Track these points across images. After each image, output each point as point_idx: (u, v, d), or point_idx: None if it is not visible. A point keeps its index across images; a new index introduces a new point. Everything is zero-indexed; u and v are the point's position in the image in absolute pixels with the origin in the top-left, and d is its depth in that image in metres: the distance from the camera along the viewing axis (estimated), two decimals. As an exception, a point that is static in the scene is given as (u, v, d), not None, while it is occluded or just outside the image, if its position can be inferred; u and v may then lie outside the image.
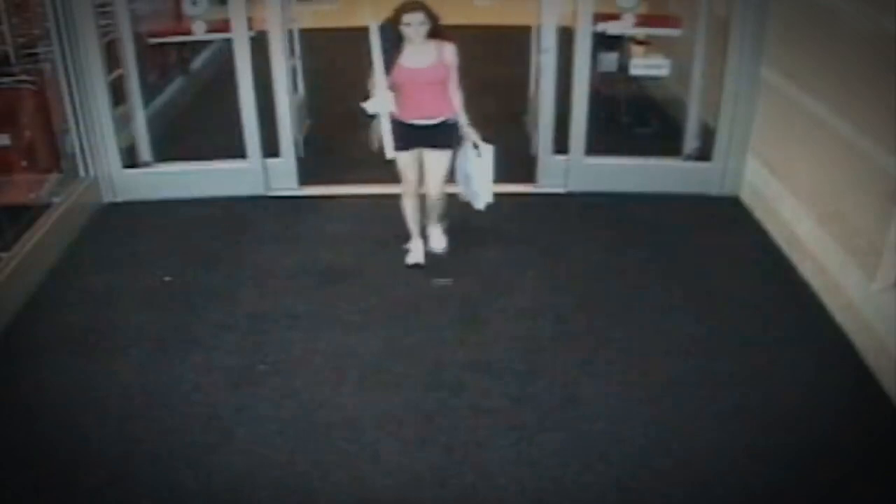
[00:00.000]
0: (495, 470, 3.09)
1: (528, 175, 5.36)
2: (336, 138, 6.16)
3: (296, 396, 3.49)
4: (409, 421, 3.31)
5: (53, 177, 5.01)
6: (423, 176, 4.31)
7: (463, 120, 4.17)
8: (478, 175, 4.21)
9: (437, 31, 4.00)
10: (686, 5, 5.67)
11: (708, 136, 5.34)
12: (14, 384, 3.60)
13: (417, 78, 4.01)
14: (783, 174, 4.77)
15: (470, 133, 4.17)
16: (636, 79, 5.92)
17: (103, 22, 5.14)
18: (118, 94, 5.31)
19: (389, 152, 3.96)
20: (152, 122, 5.63)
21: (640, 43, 5.82)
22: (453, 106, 4.14)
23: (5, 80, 4.72)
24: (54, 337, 3.93)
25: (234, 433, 3.29)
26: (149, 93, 6.23)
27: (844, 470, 3.04)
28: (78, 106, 5.06)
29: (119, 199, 5.34)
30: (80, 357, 3.76)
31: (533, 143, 5.83)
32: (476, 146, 4.16)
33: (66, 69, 4.95)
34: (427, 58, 4.01)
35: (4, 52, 4.78)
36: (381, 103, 3.91)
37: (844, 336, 3.82)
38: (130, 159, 5.39)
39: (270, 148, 5.35)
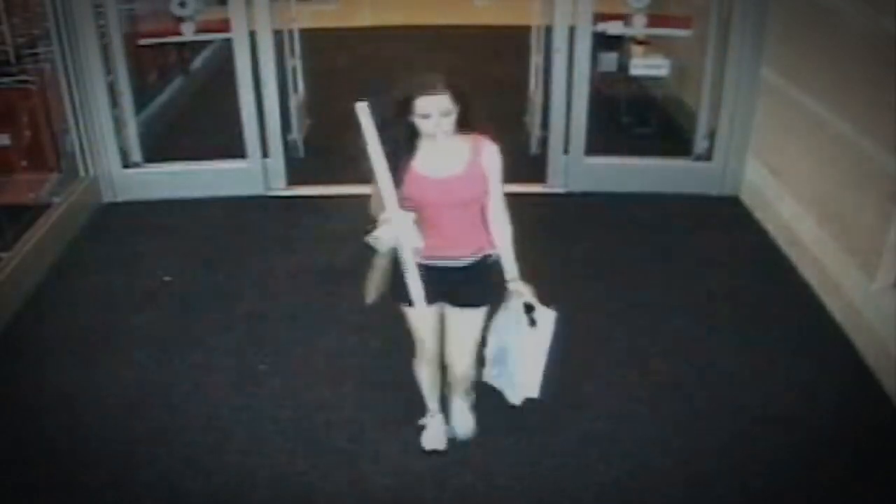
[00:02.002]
0: (495, 470, 3.09)
1: (529, 175, 5.36)
2: (336, 138, 6.15)
3: (296, 396, 3.49)
4: (409, 421, 3.30)
5: (53, 177, 5.01)
6: (444, 337, 2.95)
7: (509, 264, 2.75)
8: (522, 353, 2.76)
9: (468, 120, 2.59)
10: (689, 5, 5.68)
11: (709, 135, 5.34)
12: (14, 384, 3.60)
13: (439, 194, 2.62)
14: (783, 174, 4.77)
15: (519, 288, 2.73)
16: (636, 79, 5.92)
17: (103, 22, 5.13)
18: (116, 95, 5.31)
19: (419, 304, 2.61)
20: (152, 123, 5.64)
21: (640, 43, 5.82)
22: (493, 238, 2.74)
23: (5, 80, 4.72)
24: (54, 337, 3.93)
25: (234, 433, 3.29)
26: (148, 93, 6.25)
27: (844, 470, 3.04)
28: (78, 106, 5.06)
29: (119, 198, 5.34)
30: (80, 357, 3.76)
31: (533, 143, 5.85)
32: (529, 311, 2.71)
33: (66, 69, 4.95)
34: (455, 163, 2.62)
35: (4, 52, 4.77)
36: (399, 231, 2.50)
37: (844, 336, 3.82)
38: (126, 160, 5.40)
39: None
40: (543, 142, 5.59)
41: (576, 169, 5.32)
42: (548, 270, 4.54)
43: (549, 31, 5.27)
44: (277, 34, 5.36)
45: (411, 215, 2.51)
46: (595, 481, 3.04)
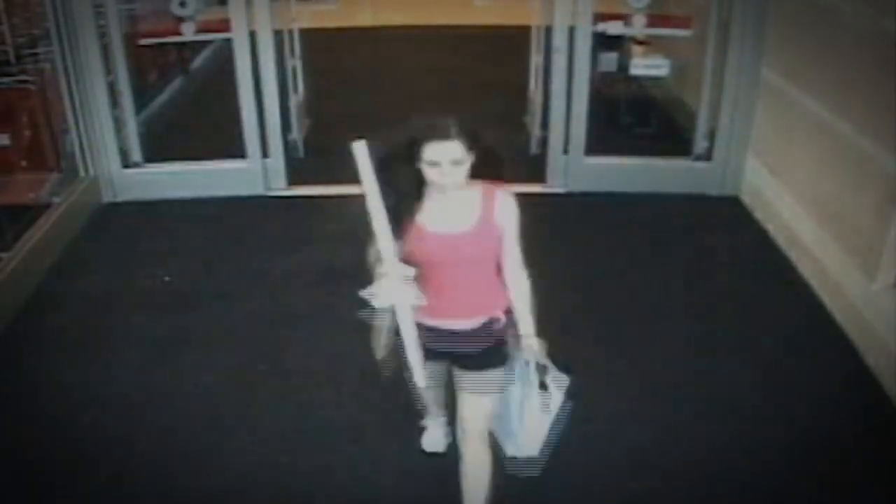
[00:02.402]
0: (495, 470, 3.08)
1: (529, 175, 5.36)
2: (336, 138, 6.15)
3: (295, 396, 3.49)
4: (410, 421, 3.30)
5: (53, 177, 5.01)
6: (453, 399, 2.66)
7: (525, 319, 2.46)
8: (527, 412, 2.51)
9: (484, 169, 2.33)
10: (689, 5, 5.68)
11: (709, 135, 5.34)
12: (14, 384, 3.59)
13: (446, 251, 2.35)
14: (783, 174, 4.77)
15: (533, 345, 2.45)
16: (636, 78, 5.92)
17: (103, 22, 5.13)
18: (116, 95, 5.31)
19: (419, 377, 2.38)
20: (152, 123, 5.64)
21: (640, 43, 5.82)
22: (506, 298, 2.47)
23: (5, 80, 4.72)
24: (54, 337, 3.93)
25: (234, 433, 3.29)
26: (148, 93, 6.24)
27: (844, 470, 3.04)
28: (78, 106, 5.06)
29: (119, 198, 5.34)
30: (79, 357, 3.76)
31: (533, 143, 5.85)
32: (542, 372, 2.45)
33: (66, 69, 4.95)
34: (464, 217, 2.35)
35: (4, 52, 4.78)
36: (395, 290, 2.25)
37: (844, 336, 3.82)
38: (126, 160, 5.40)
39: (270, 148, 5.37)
40: (543, 142, 5.60)
41: (576, 169, 5.32)
42: (547, 270, 4.52)
43: (549, 31, 5.27)
44: (277, 34, 5.36)
45: (410, 270, 2.24)
46: (595, 481, 3.04)
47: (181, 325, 3.99)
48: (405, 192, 2.31)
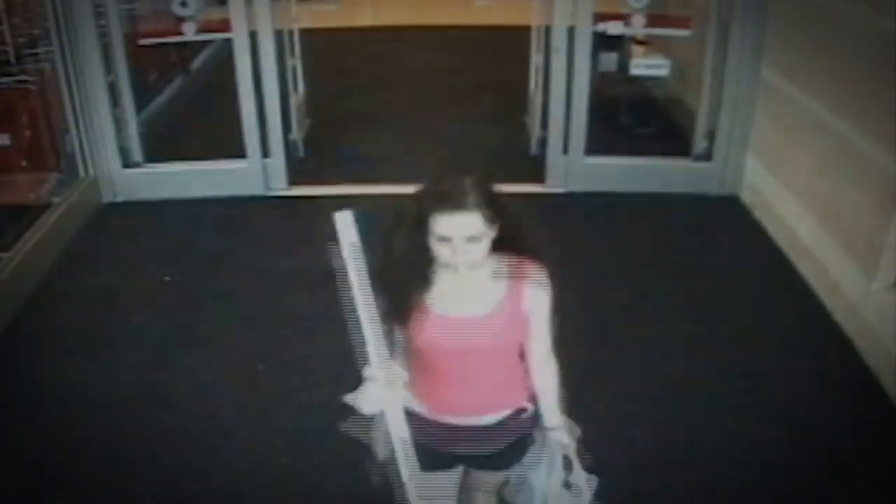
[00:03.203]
0: (495, 470, 3.08)
1: (529, 175, 5.36)
2: (336, 138, 6.16)
3: (295, 396, 3.49)
4: (409, 421, 3.30)
5: (53, 177, 5.01)
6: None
7: (551, 409, 2.10)
8: (546, 498, 2.16)
9: (511, 238, 1.92)
10: (689, 5, 5.68)
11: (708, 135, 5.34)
12: (14, 384, 3.60)
13: (459, 339, 1.93)
14: (783, 174, 4.77)
15: (562, 439, 2.10)
16: (636, 78, 5.92)
17: (103, 22, 5.13)
18: (117, 95, 5.31)
19: (413, 498, 1.96)
20: (152, 123, 5.63)
21: (640, 43, 5.82)
22: (532, 387, 2.09)
23: (5, 80, 4.72)
24: (54, 337, 3.93)
25: (234, 433, 3.29)
26: (148, 93, 6.24)
27: (844, 470, 3.04)
28: (78, 106, 5.06)
29: (119, 199, 5.34)
30: (79, 357, 3.76)
31: (533, 143, 5.85)
32: (567, 467, 2.12)
33: (66, 69, 4.95)
34: (484, 300, 1.94)
35: (4, 52, 4.78)
36: (384, 398, 1.92)
37: (844, 336, 3.82)
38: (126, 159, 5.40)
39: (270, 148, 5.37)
40: (543, 142, 5.59)
41: (576, 169, 5.32)
42: (548, 270, 4.54)
43: (548, 31, 5.27)
44: (277, 34, 5.36)
45: (402, 375, 1.89)
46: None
47: (181, 325, 3.99)
48: (411, 270, 1.88)
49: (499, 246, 1.89)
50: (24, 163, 4.81)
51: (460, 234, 1.81)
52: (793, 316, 4.03)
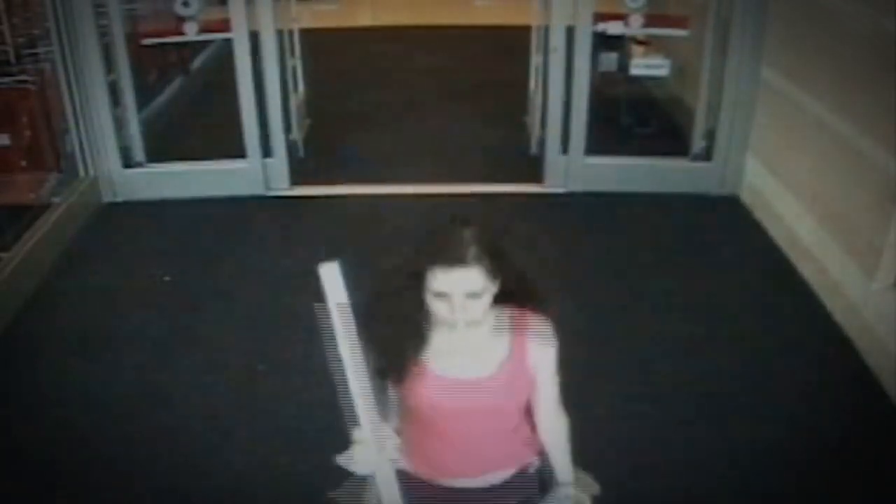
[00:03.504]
0: (495, 470, 3.08)
1: (530, 175, 5.36)
2: (336, 138, 6.16)
3: (295, 396, 3.49)
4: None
5: (53, 177, 5.01)
6: None
7: (563, 465, 2.01)
8: None
9: (514, 291, 1.79)
10: (689, 5, 5.68)
11: (708, 135, 5.34)
12: (14, 384, 3.60)
13: (459, 400, 1.80)
14: (783, 174, 4.77)
15: (581, 500, 2.04)
16: (636, 78, 5.92)
17: (104, 22, 5.13)
18: (118, 94, 5.31)
19: None
20: (152, 123, 5.64)
21: (640, 43, 5.82)
22: (539, 441, 1.97)
23: (5, 80, 4.72)
24: (54, 337, 3.93)
25: (234, 433, 3.29)
26: (148, 93, 6.24)
27: (844, 470, 3.04)
28: (78, 106, 5.06)
29: (119, 199, 5.34)
30: (79, 357, 3.76)
31: (533, 143, 5.85)
32: None
33: (66, 69, 4.95)
34: (485, 356, 1.81)
35: (4, 52, 4.78)
36: (372, 458, 1.81)
37: (844, 336, 3.82)
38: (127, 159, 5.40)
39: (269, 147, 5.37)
40: (543, 142, 5.59)
41: (575, 169, 5.32)
42: (547, 271, 4.54)
43: (548, 31, 5.27)
44: (277, 34, 5.36)
45: (393, 437, 1.75)
46: (595, 481, 3.03)
47: (181, 325, 3.99)
48: (407, 327, 1.75)
49: (500, 298, 1.76)
50: (24, 163, 4.81)
51: (459, 290, 1.67)
52: (793, 316, 4.03)
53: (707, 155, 5.31)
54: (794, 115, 4.55)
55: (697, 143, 5.36)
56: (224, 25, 5.10)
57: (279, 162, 5.37)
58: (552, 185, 5.36)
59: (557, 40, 5.09)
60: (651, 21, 5.19)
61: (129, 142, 5.37)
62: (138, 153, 5.42)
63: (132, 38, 5.48)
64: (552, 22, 5.09)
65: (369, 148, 6.04)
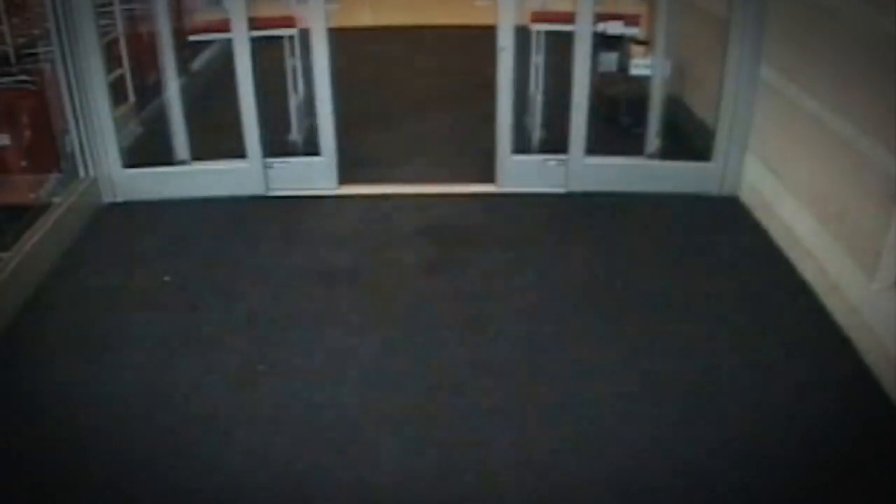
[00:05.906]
0: (495, 470, 3.09)
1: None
2: (337, 138, 6.15)
3: (296, 396, 3.49)
4: (409, 421, 3.30)
5: (53, 177, 5.01)
6: None
7: None
8: None
9: None
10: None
11: (702, 135, 5.34)
12: (14, 384, 3.60)
13: None
14: (783, 174, 4.77)
15: None
16: (636, 78, 5.92)
17: (103, 22, 5.14)
18: (118, 94, 5.31)
19: None
20: (152, 122, 5.64)
21: (640, 43, 5.82)
22: None
23: (5, 80, 4.72)
24: (54, 337, 3.93)
25: (234, 433, 3.29)
26: (148, 93, 6.24)
27: (844, 470, 3.04)
28: (78, 106, 5.06)
29: (119, 199, 5.34)
30: (79, 357, 3.76)
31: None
32: None
33: (66, 69, 4.94)
34: None
35: (4, 52, 4.78)
36: None
37: (844, 336, 3.82)
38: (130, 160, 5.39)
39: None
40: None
41: (575, 169, 5.32)
42: (548, 271, 4.55)
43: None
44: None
45: None
46: (595, 481, 3.04)
47: (181, 325, 3.99)
48: None
49: None
50: (24, 163, 4.81)
51: None
52: (793, 316, 4.03)
53: (707, 155, 5.32)
54: (794, 115, 4.55)
55: (698, 143, 5.35)
56: (223, 25, 5.10)
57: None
58: (505, 185, 5.27)
59: (505, 39, 5.12)
60: (603, 19, 5.18)
61: (128, 142, 5.37)
62: (138, 154, 5.41)
63: (132, 38, 5.47)
64: (500, 21, 5.12)
65: (369, 148, 6.03)
